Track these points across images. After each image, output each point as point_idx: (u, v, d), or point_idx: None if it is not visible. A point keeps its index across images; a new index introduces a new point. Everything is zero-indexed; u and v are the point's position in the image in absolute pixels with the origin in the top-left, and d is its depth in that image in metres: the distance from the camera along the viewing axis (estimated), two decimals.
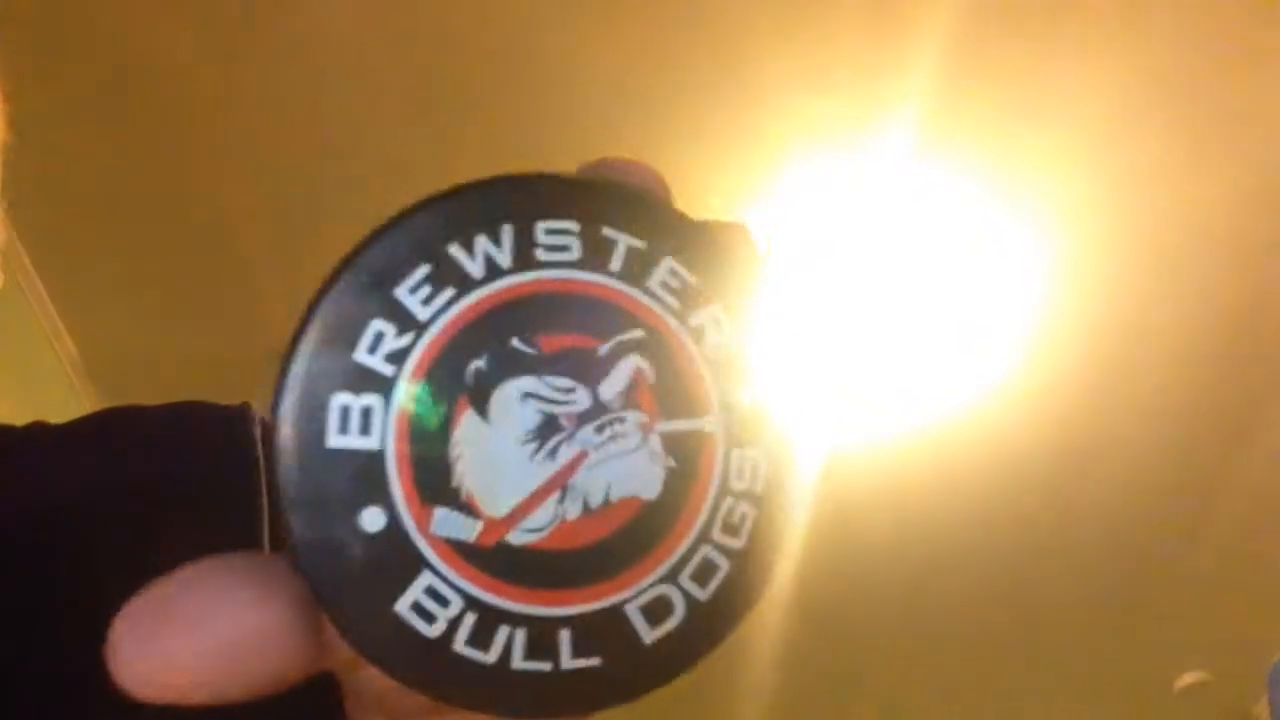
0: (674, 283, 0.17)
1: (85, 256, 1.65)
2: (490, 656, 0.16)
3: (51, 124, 1.45)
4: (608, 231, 0.17)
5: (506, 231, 0.16)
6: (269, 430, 0.43)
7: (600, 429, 0.17)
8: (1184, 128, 1.65)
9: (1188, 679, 2.96)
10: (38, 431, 0.41)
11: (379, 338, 0.16)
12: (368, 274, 0.16)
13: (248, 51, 1.43)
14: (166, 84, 1.45)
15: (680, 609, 0.17)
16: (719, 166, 1.61)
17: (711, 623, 0.17)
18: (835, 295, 1.77)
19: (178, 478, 0.40)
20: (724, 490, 0.17)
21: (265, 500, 0.40)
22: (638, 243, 0.17)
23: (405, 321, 0.16)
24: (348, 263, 0.16)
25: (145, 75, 1.44)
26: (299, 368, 0.16)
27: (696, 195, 1.55)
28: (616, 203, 0.17)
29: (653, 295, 0.17)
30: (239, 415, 0.42)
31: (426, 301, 0.16)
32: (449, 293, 0.16)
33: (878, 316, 1.83)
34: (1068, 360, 2.02)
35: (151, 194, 1.59)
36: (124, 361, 1.80)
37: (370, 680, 0.19)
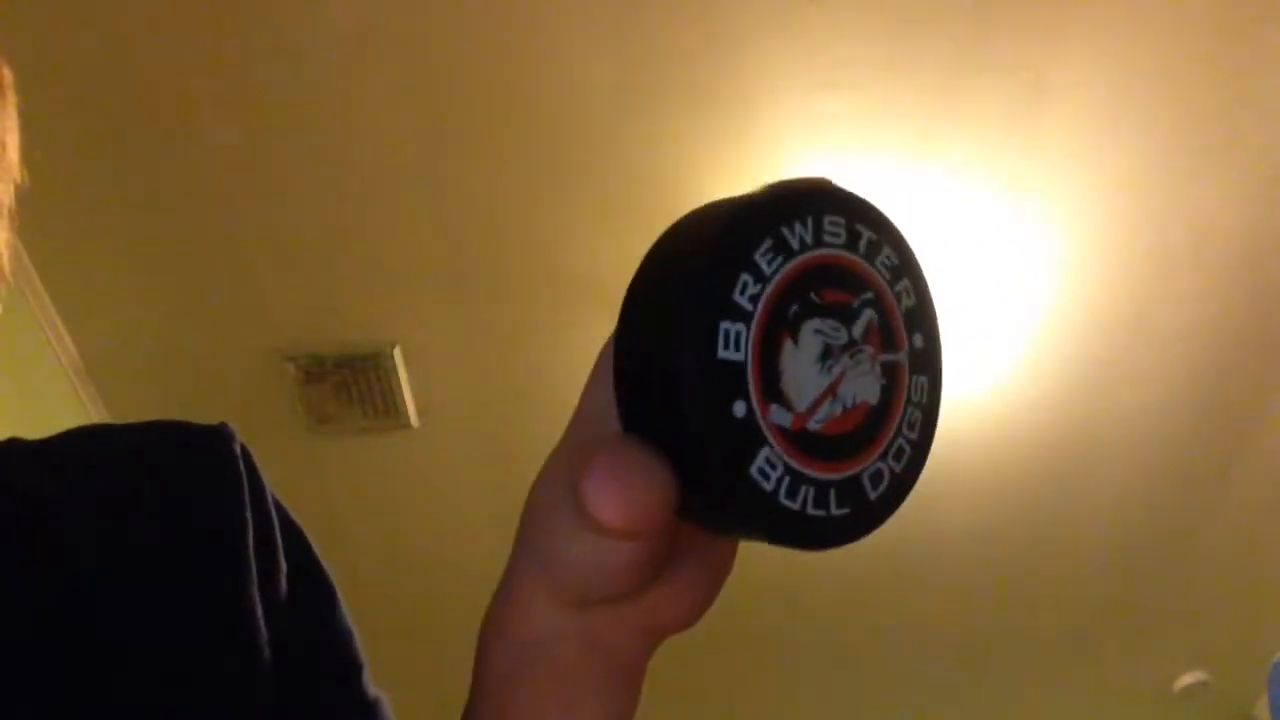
0: (889, 262, 0.27)
1: (85, 256, 1.66)
2: (796, 505, 0.25)
3: (52, 124, 1.45)
4: (858, 225, 0.27)
5: (809, 221, 0.26)
6: (247, 450, 0.43)
7: (852, 356, 0.26)
8: (1186, 127, 1.65)
9: (1188, 679, 2.96)
10: (11, 447, 0.41)
11: (745, 285, 0.24)
12: (741, 242, 0.25)
13: (247, 53, 1.43)
14: (167, 85, 1.45)
15: (887, 477, 0.27)
16: (719, 166, 1.61)
17: (901, 487, 0.27)
18: None
19: (155, 496, 0.40)
20: (909, 401, 0.27)
21: (250, 515, 0.40)
22: (874, 235, 0.27)
23: (759, 276, 0.25)
24: (727, 233, 0.24)
25: (145, 76, 1.44)
26: (700, 303, 0.24)
27: (696, 194, 1.55)
28: (861, 208, 0.27)
29: (878, 269, 0.27)
30: (218, 434, 0.42)
31: (770, 263, 0.25)
32: (781, 258, 0.25)
33: None
34: (1067, 359, 2.02)
35: (152, 194, 1.59)
36: (124, 361, 1.80)
37: (607, 556, 0.26)
